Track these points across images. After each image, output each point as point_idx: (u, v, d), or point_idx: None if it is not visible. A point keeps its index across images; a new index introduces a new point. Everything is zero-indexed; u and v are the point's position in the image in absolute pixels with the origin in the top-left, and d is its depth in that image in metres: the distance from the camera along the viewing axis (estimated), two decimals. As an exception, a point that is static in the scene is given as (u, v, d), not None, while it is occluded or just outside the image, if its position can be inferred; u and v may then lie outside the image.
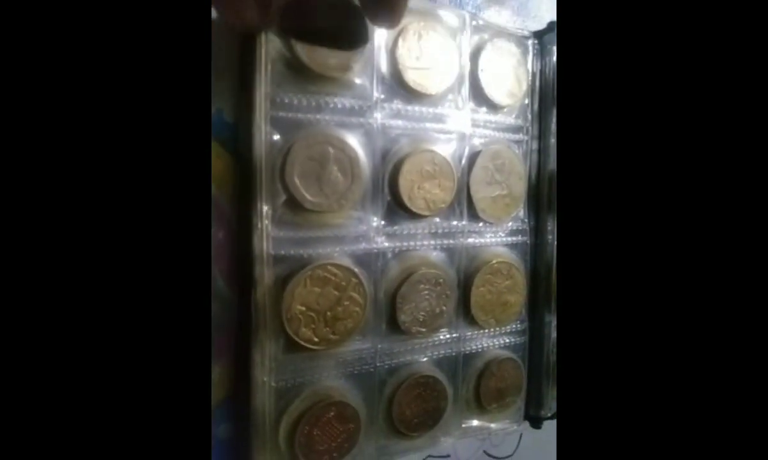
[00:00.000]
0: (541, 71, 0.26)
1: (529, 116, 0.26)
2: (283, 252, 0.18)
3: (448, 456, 0.29)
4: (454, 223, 0.23)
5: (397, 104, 0.21)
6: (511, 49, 0.25)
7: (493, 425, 0.26)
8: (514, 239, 0.26)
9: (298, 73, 0.18)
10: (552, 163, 0.26)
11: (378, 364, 0.21)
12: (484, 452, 0.31)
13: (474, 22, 0.23)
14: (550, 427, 0.33)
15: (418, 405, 0.23)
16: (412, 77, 0.21)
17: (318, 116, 0.19)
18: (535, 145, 0.26)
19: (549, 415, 0.28)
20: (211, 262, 0.19)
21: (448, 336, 0.24)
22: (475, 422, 0.26)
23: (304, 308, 0.19)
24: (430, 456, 0.28)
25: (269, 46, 0.18)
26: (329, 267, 0.19)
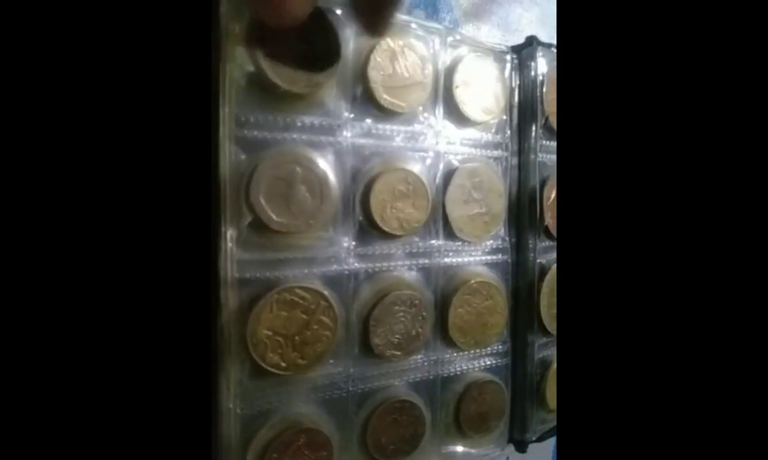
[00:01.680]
0: (520, 86, 0.27)
1: (508, 132, 0.26)
2: (248, 275, 0.18)
3: (431, 482, 0.29)
4: (430, 242, 0.23)
5: (369, 122, 0.21)
6: (488, 64, 0.25)
7: (474, 451, 0.26)
8: (494, 257, 0.26)
9: (265, 90, 0.18)
10: (533, 180, 0.26)
11: (351, 389, 0.21)
12: (469, 477, 0.31)
13: (450, 38, 0.23)
14: (537, 451, 0.33)
15: (394, 431, 0.22)
16: (383, 95, 0.21)
17: (285, 135, 0.19)
18: (515, 162, 0.27)
19: (534, 438, 0.28)
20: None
21: (425, 359, 0.24)
22: (456, 448, 0.26)
23: (270, 333, 0.19)
24: (411, 484, 0.28)
25: (231, 62, 0.18)
26: (296, 290, 0.19)
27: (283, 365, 0.19)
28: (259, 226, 0.18)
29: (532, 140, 0.26)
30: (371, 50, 0.21)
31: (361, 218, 0.21)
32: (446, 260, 0.24)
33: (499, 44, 0.26)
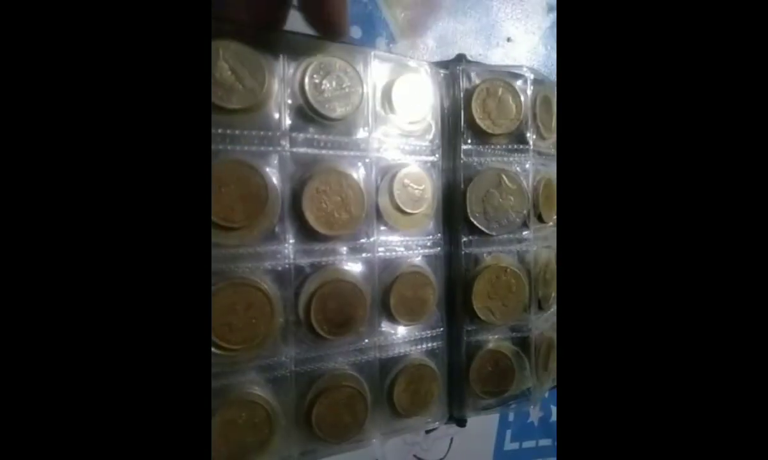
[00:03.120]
0: (452, 97, 0.31)
1: (438, 140, 0.30)
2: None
3: (377, 461, 0.33)
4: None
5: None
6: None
7: (414, 425, 0.30)
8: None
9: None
10: (459, 180, 0.30)
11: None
12: (414, 456, 0.35)
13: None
14: (479, 430, 0.37)
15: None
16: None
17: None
18: (446, 165, 0.30)
19: (472, 414, 0.32)
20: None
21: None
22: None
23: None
24: (358, 462, 0.31)
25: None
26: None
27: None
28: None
29: (461, 145, 0.30)
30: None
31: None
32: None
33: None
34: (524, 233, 0.32)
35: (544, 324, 0.33)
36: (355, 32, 0.31)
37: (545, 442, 0.41)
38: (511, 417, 0.39)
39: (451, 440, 0.36)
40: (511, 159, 0.31)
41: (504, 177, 0.31)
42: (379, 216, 0.27)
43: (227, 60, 0.22)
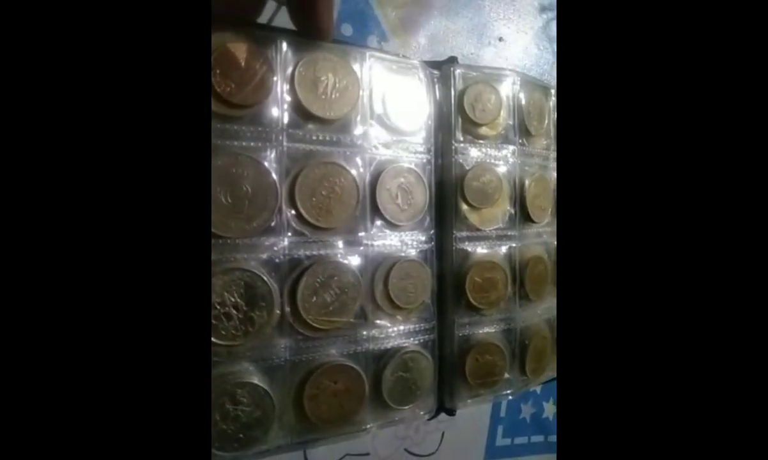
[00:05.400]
0: (444, 98, 0.32)
1: (431, 139, 0.31)
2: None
3: (368, 454, 0.34)
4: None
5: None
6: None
7: (406, 415, 0.31)
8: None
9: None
10: (452, 178, 0.32)
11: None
12: (405, 450, 0.36)
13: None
14: (471, 425, 0.38)
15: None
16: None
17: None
18: (438, 163, 0.32)
19: (461, 406, 0.34)
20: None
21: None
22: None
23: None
24: (348, 454, 0.33)
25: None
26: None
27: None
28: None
29: (453, 143, 0.32)
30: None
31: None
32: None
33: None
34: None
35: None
36: (346, 30, 0.32)
37: (537, 438, 0.42)
38: (503, 413, 0.40)
39: (443, 434, 0.37)
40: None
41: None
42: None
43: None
